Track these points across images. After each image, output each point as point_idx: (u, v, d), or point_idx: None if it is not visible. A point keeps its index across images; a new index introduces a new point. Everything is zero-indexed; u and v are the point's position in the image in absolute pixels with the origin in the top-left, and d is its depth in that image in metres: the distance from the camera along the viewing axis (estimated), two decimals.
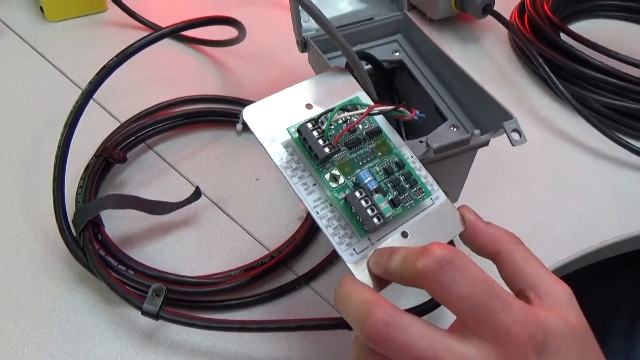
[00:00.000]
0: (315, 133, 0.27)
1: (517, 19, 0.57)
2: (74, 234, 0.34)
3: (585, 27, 0.62)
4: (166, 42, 0.50)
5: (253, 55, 0.51)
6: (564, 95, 0.48)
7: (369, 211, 0.26)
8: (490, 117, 0.34)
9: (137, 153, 0.42)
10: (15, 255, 0.35)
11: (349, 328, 0.31)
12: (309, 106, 0.29)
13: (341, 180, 0.28)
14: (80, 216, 0.33)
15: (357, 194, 0.27)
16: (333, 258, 0.37)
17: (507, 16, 0.59)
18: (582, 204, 0.43)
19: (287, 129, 0.28)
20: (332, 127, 0.28)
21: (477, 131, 0.32)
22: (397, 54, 0.40)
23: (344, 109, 0.28)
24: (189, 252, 0.37)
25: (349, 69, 0.33)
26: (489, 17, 0.54)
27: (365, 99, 0.30)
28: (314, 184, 0.27)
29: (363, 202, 0.27)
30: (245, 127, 0.44)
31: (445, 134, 0.34)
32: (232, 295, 0.34)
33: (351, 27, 0.40)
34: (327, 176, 0.27)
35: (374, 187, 0.27)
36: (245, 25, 0.45)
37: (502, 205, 0.42)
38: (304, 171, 0.27)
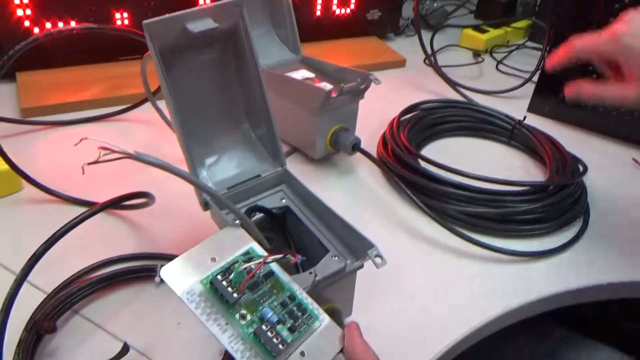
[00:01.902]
0: (224, 283, 0.34)
1: (382, 150, 0.70)
2: None
3: (438, 146, 0.76)
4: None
5: (164, 210, 0.58)
6: (423, 209, 0.59)
7: (274, 340, 0.34)
8: (360, 245, 0.43)
9: (65, 319, 0.46)
10: None
11: None
12: (213, 259, 0.36)
13: (248, 317, 0.35)
14: None
15: (264, 327, 0.34)
16: None
17: (375, 147, 0.72)
18: (451, 295, 0.53)
19: (200, 281, 0.35)
20: (237, 275, 0.35)
21: (349, 261, 0.40)
22: (284, 201, 0.49)
23: (245, 260, 0.36)
24: None
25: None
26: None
27: (257, 248, 0.38)
28: (227, 323, 0.34)
29: (269, 333, 0.34)
30: (163, 279, 0.50)
31: (328, 264, 0.42)
32: None
33: (243, 185, 0.49)
34: (237, 316, 0.34)
35: (275, 320, 0.35)
36: (154, 183, 0.52)
37: (388, 307, 0.51)
38: (217, 314, 0.34)
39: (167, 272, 0.35)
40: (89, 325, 0.46)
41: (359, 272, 0.44)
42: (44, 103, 0.75)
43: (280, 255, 0.37)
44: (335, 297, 0.43)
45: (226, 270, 0.35)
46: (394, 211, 0.63)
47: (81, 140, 0.33)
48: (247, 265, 0.36)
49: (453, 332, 0.49)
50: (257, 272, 0.37)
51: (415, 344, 0.47)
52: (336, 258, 0.43)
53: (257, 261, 0.36)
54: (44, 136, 0.70)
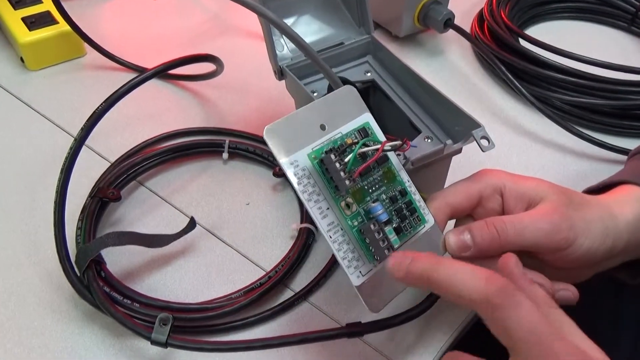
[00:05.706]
0: (337, 165, 0.29)
1: (477, 29, 0.61)
2: (78, 274, 0.35)
3: (542, 30, 0.65)
4: None
5: (232, 85, 0.53)
6: (525, 96, 0.51)
7: (381, 243, 0.29)
8: (460, 127, 0.37)
9: (130, 190, 0.43)
10: (22, 300, 0.37)
11: (348, 336, 0.33)
12: (322, 127, 0.30)
13: (354, 208, 0.30)
14: (82, 256, 0.35)
15: (372, 226, 0.29)
16: (327, 272, 0.39)
17: (467, 26, 0.62)
18: None
19: (307, 155, 0.29)
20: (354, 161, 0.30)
21: (449, 141, 0.34)
22: (369, 74, 0.43)
23: (364, 144, 0.30)
24: (190, 279, 0.38)
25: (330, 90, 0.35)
26: (452, 30, 0.57)
27: (374, 125, 0.32)
28: (328, 208, 0.29)
29: (376, 235, 0.29)
30: (231, 156, 0.46)
31: (420, 146, 0.37)
32: (235, 317, 0.36)
33: (323, 53, 0.42)
34: (343, 203, 0.30)
35: (385, 219, 0.30)
36: (222, 57, 0.47)
37: None
38: (319, 195, 0.29)
39: (272, 132, 0.29)
40: (154, 198, 0.43)
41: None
42: None
43: (398, 142, 0.30)
44: (424, 184, 0.38)
45: (337, 149, 0.30)
46: (489, 98, 0.55)
47: None
48: (366, 149, 0.30)
49: None
50: (370, 153, 0.31)
51: None
52: (429, 140, 0.38)
53: (374, 147, 0.30)
54: (107, 1, 0.65)
